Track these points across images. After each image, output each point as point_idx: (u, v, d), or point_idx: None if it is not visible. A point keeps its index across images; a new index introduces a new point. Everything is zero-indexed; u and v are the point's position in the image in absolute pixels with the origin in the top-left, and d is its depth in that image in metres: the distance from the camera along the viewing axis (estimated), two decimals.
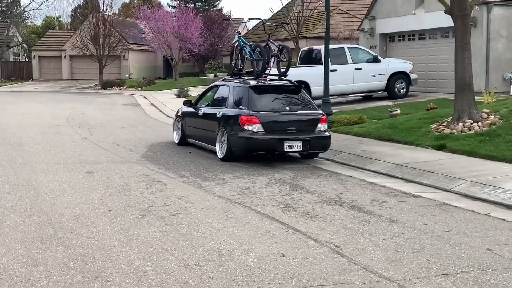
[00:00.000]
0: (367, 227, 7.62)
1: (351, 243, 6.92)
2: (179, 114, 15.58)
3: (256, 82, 12.97)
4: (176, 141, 15.42)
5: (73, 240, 6.90)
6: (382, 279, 5.69)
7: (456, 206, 8.91)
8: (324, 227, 7.61)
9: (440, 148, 13.37)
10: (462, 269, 5.98)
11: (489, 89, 22.50)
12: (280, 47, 13.62)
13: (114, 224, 7.62)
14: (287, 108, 12.61)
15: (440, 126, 14.79)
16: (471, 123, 14.25)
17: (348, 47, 23.25)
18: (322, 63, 21.66)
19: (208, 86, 14.51)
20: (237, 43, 14.25)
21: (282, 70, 13.52)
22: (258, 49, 13.45)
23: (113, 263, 6.08)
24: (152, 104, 30.57)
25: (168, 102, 29.89)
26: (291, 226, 7.62)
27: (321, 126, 12.62)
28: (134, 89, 43.94)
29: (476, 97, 14.02)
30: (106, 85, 47.33)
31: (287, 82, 13.37)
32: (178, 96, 33.40)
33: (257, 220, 7.94)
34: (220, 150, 12.94)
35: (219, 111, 13.12)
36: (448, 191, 10.03)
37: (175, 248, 6.60)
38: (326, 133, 12.66)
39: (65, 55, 58.35)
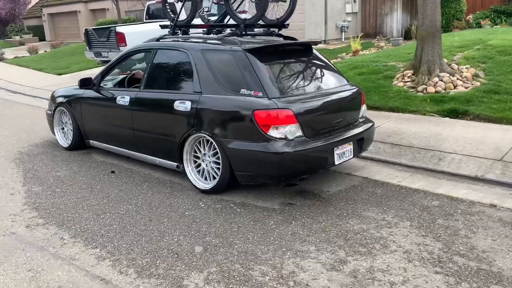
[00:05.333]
0: None
1: None
2: (61, 100, 6.12)
3: (248, 41, 4.57)
4: (64, 144, 6.22)
5: None
6: None
7: None
8: None
9: (452, 115, 6.61)
10: None
11: (328, 37, 16.24)
12: None
13: None
14: (320, 85, 4.56)
15: (407, 83, 7.98)
16: (450, 77, 7.69)
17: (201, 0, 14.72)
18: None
19: (121, 53, 5.57)
20: None
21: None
22: None
23: None
24: None
25: None
26: None
27: (364, 108, 4.90)
28: None
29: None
30: None
31: (277, 37, 5.17)
32: None
33: None
34: (194, 174, 4.54)
35: (183, 101, 4.45)
36: None
37: None
38: (368, 119, 4.98)
39: None
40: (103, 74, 5.63)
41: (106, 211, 4.09)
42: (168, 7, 5.60)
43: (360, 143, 4.60)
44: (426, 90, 7.51)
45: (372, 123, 4.89)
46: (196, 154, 4.55)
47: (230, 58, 4.33)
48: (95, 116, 5.62)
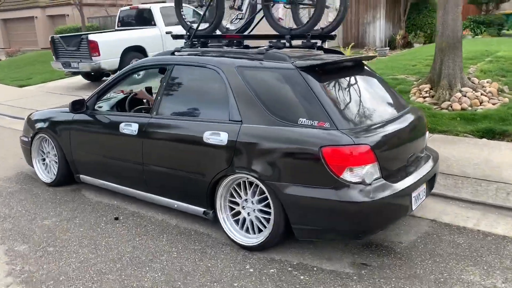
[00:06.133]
0: None
1: None
2: (42, 126, 4.92)
3: (298, 56, 3.66)
4: (46, 179, 5.06)
5: None
6: None
7: None
8: None
9: (489, 135, 5.98)
10: None
11: None
12: None
13: None
14: (386, 110, 3.68)
15: (427, 98, 7.32)
16: (473, 92, 7.08)
17: None
18: (154, 24, 12.23)
19: (124, 70, 4.49)
20: None
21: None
22: None
23: None
24: None
25: None
26: None
27: (427, 136, 4.07)
28: None
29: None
30: None
31: (316, 49, 4.26)
32: None
33: None
34: (230, 224, 3.58)
35: (216, 132, 3.48)
36: None
37: None
38: (430, 148, 4.16)
39: None
40: (99, 95, 4.54)
41: (126, 284, 3.04)
42: (183, 12, 4.54)
43: (432, 180, 3.77)
44: (451, 107, 6.84)
45: (437, 154, 4.07)
46: (233, 199, 3.57)
47: (279, 78, 3.40)
48: (89, 146, 4.52)
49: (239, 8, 4.55)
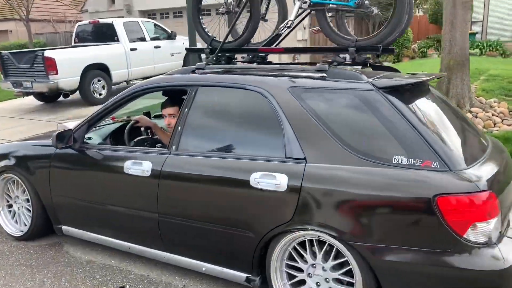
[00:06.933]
0: None
1: None
2: (8, 163, 3.76)
3: (373, 74, 2.85)
4: (15, 231, 3.90)
5: None
6: None
7: None
8: None
9: None
10: None
11: None
12: None
13: None
14: (478, 141, 2.92)
15: None
16: (484, 113, 6.63)
17: (142, 21, 12.45)
18: (117, 40, 11.14)
19: (123, 93, 3.44)
20: None
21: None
22: None
23: None
24: None
25: None
26: None
27: None
28: None
29: None
30: None
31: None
32: None
33: None
34: None
35: (269, 173, 2.56)
36: None
37: None
38: None
39: None
40: (90, 124, 3.49)
41: None
42: (202, 22, 3.58)
43: None
44: None
45: None
46: (291, 263, 2.67)
47: (356, 102, 2.57)
48: (76, 190, 3.45)
49: (263, 18, 3.71)
